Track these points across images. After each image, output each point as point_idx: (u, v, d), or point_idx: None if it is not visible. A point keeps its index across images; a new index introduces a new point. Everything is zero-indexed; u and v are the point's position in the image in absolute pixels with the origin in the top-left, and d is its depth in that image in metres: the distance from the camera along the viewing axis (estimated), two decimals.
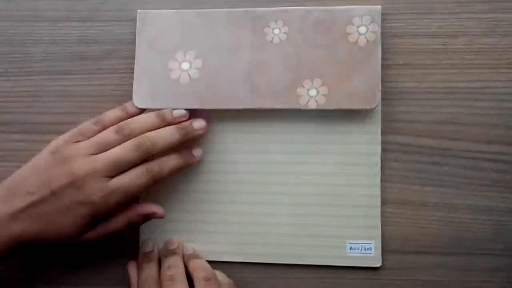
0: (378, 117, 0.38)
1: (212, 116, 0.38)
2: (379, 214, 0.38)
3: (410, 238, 0.38)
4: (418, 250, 0.38)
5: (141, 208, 0.35)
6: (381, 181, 0.38)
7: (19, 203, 0.32)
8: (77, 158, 0.33)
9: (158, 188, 0.38)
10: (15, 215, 0.32)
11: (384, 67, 0.38)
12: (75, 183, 0.32)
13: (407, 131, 0.38)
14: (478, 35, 0.38)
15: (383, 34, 0.38)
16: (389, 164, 0.38)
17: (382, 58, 0.38)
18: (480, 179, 0.38)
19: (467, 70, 0.38)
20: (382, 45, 0.38)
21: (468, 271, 0.38)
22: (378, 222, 0.38)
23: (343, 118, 0.38)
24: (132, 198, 0.34)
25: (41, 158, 0.34)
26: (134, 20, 0.39)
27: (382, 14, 0.38)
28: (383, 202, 0.38)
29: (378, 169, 0.38)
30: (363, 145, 0.38)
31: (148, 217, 0.36)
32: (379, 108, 0.37)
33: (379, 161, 0.38)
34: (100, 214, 0.33)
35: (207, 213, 0.39)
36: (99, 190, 0.32)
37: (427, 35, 0.38)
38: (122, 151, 0.33)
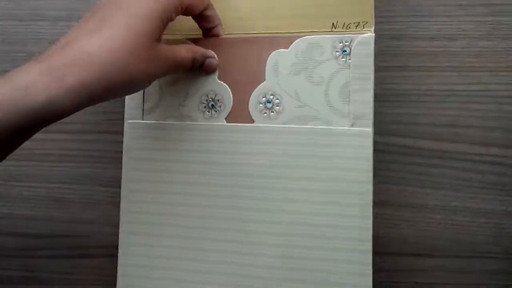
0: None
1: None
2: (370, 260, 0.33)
3: (408, 240, 0.38)
4: (416, 252, 0.38)
5: (203, 49, 0.35)
6: (380, 183, 0.38)
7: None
8: None
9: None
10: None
11: (383, 69, 0.38)
12: None
13: (406, 133, 0.38)
14: (477, 38, 0.38)
15: (382, 36, 0.38)
16: (388, 166, 0.38)
17: (381, 60, 0.38)
18: (478, 182, 0.38)
19: (466, 73, 0.38)
20: (381, 47, 0.38)
21: (466, 274, 0.37)
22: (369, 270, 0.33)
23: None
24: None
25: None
26: None
27: (382, 17, 0.38)
28: (381, 204, 0.38)
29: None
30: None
31: (209, 60, 0.35)
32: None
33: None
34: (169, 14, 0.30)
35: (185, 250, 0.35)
36: None
37: (426, 38, 0.39)
38: None
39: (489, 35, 0.38)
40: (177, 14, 0.31)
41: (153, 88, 0.36)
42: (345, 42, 0.34)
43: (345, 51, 0.34)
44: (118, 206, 0.36)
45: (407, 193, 0.38)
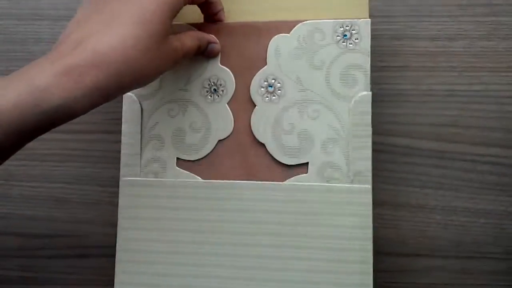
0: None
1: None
2: None
3: (408, 241, 0.38)
4: (416, 253, 0.38)
5: (206, 35, 0.35)
6: (379, 183, 0.38)
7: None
8: None
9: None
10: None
11: (383, 69, 0.38)
12: None
13: (406, 133, 0.38)
14: (477, 38, 0.38)
15: (382, 36, 0.38)
16: (388, 166, 0.38)
17: (381, 61, 0.38)
18: (479, 182, 0.38)
19: (466, 73, 0.38)
20: (382, 47, 0.38)
21: (466, 275, 0.37)
22: None
23: None
24: None
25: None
26: None
27: (381, 17, 0.38)
28: (381, 204, 0.38)
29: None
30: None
31: (211, 45, 0.35)
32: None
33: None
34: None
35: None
36: None
37: (426, 38, 0.38)
38: None
39: (489, 35, 0.38)
40: (185, 4, 0.31)
41: None
42: (346, 26, 0.34)
43: (345, 35, 0.34)
44: (117, 206, 0.36)
45: (407, 193, 0.38)
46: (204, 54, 0.35)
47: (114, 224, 0.36)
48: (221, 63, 0.36)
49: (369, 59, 0.34)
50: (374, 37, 0.39)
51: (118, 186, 0.36)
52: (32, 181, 0.40)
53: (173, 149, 0.36)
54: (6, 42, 0.41)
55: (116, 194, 0.36)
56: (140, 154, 0.36)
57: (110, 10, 0.28)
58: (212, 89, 0.36)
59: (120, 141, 0.36)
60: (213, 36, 0.35)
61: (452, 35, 0.38)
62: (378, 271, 0.38)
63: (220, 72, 0.36)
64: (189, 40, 0.33)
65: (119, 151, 0.36)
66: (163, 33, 0.29)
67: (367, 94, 0.34)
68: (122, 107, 0.36)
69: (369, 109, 0.34)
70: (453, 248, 0.38)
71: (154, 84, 0.36)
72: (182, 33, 0.33)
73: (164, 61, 0.30)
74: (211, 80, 0.36)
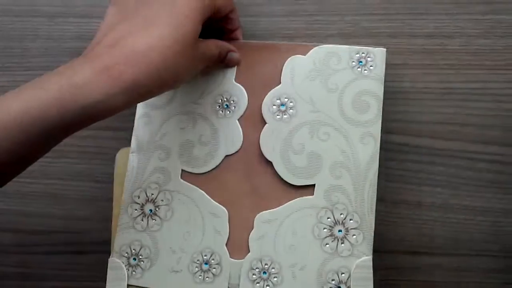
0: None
1: None
2: None
3: (406, 238, 0.38)
4: (413, 250, 0.38)
5: (227, 43, 0.35)
6: (377, 179, 0.38)
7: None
8: None
9: None
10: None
11: None
12: None
13: (404, 131, 0.38)
14: (475, 36, 0.38)
15: (380, 34, 0.38)
16: (385, 164, 0.38)
17: None
18: (476, 180, 0.38)
19: (464, 70, 0.38)
20: (379, 45, 0.38)
21: (464, 272, 0.37)
22: None
23: None
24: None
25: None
26: None
27: (379, 14, 0.38)
28: (379, 201, 0.37)
29: None
30: None
31: (231, 54, 0.35)
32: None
33: None
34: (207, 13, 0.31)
35: None
36: None
37: (424, 36, 0.39)
38: None
39: (487, 33, 0.38)
40: (210, 14, 0.32)
41: None
42: (362, 53, 0.35)
43: (361, 62, 0.35)
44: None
45: (405, 191, 0.38)
46: (223, 62, 0.35)
47: (110, 220, 0.36)
48: (236, 80, 0.36)
49: (382, 86, 0.34)
50: (371, 35, 0.39)
51: (113, 182, 0.36)
52: (29, 177, 0.40)
53: (179, 161, 0.35)
54: (3, 38, 0.41)
55: (112, 191, 0.36)
56: (145, 164, 0.36)
57: (144, 13, 0.29)
58: (224, 105, 0.36)
59: (115, 138, 0.36)
60: (232, 46, 0.36)
61: (449, 33, 0.38)
62: (375, 268, 0.37)
63: (234, 88, 0.36)
64: (213, 46, 0.33)
65: (115, 148, 0.36)
66: (195, 37, 0.30)
67: (368, 259, 0.33)
68: None
69: (371, 276, 0.32)
70: (450, 245, 0.37)
71: (167, 94, 0.36)
72: (206, 40, 0.33)
73: (195, 63, 0.31)
74: (224, 96, 0.36)
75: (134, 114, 0.36)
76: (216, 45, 0.34)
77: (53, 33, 0.41)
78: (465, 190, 0.38)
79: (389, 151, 0.38)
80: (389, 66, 0.38)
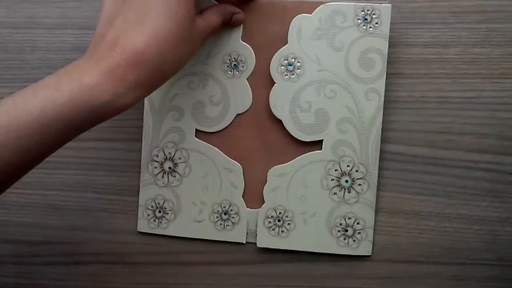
0: None
1: None
2: None
3: (402, 247, 0.38)
4: (410, 259, 0.38)
5: (228, 6, 0.35)
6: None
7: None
8: None
9: None
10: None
11: None
12: None
13: (400, 140, 0.38)
14: (471, 45, 0.38)
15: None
16: (382, 173, 0.38)
17: None
18: (472, 189, 0.38)
19: (460, 79, 0.38)
20: None
21: (460, 281, 0.37)
22: None
23: None
24: None
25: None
26: None
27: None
28: (376, 210, 0.38)
29: None
30: None
31: (235, 16, 0.35)
32: None
33: None
34: None
35: None
36: None
37: (419, 45, 0.39)
38: None
39: (483, 42, 0.38)
40: None
41: None
42: (367, 10, 0.36)
43: (366, 19, 0.36)
44: (113, 213, 0.36)
45: (401, 200, 0.38)
46: (229, 25, 0.36)
47: (109, 231, 0.36)
48: (243, 40, 0.37)
49: (387, 43, 0.35)
50: None
51: (113, 194, 0.36)
52: (28, 188, 0.40)
53: (192, 120, 0.37)
54: (1, 50, 0.41)
55: (111, 202, 0.36)
56: (160, 124, 0.37)
57: (138, 5, 0.29)
58: (232, 65, 0.37)
59: (115, 149, 0.36)
60: (235, 7, 0.36)
61: (446, 42, 0.38)
62: (371, 277, 0.38)
63: (241, 48, 0.37)
64: (214, 16, 0.34)
65: (114, 158, 0.37)
66: (191, 19, 0.30)
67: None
68: (119, 116, 0.36)
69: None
70: (447, 254, 0.38)
71: None
72: (206, 10, 0.33)
73: (195, 43, 0.32)
74: (231, 55, 0.37)
75: (132, 120, 0.36)
76: (218, 13, 0.34)
77: (52, 45, 0.41)
78: (461, 199, 0.38)
79: (385, 161, 0.38)
80: (386, 75, 0.38)
